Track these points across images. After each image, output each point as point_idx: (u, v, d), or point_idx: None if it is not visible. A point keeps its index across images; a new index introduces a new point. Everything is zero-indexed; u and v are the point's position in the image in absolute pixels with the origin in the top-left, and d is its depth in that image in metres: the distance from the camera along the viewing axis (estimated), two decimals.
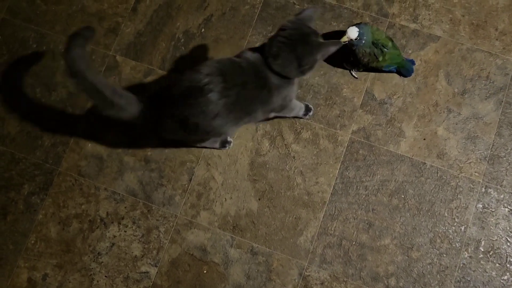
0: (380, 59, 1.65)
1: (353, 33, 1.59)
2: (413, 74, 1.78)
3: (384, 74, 1.79)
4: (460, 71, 1.79)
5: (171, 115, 1.42)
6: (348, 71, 1.80)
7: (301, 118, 1.76)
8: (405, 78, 1.78)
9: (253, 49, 1.46)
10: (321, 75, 1.81)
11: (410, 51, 1.81)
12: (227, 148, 1.75)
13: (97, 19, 1.89)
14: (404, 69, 1.75)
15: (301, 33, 1.39)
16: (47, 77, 1.85)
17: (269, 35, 1.84)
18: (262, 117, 1.54)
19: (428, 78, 1.79)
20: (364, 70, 1.77)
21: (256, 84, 1.40)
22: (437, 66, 1.80)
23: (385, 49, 1.65)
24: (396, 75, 1.79)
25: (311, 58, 1.39)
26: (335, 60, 1.80)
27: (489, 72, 1.79)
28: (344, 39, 1.60)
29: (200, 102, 1.35)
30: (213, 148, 1.76)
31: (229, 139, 1.74)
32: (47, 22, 1.90)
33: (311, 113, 1.75)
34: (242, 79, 1.38)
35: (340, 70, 1.81)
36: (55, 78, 1.84)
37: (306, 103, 1.75)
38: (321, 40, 1.42)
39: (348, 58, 1.72)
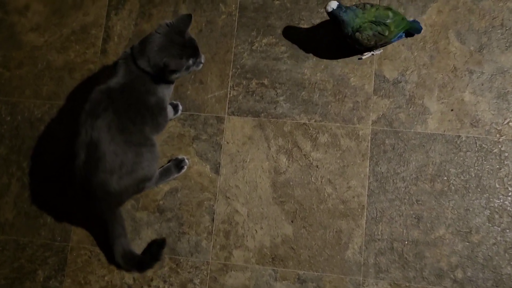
0: (387, 33, 1.48)
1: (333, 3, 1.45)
2: (423, 28, 1.61)
3: (390, 50, 1.62)
4: (471, 26, 1.61)
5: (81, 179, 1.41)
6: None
7: (174, 118, 1.65)
8: (414, 50, 1.61)
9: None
10: (322, 69, 1.63)
11: (411, 18, 1.63)
12: (185, 168, 1.60)
13: (67, 72, 1.71)
14: (412, 29, 1.58)
15: (167, 38, 1.44)
16: (28, 148, 1.68)
17: (254, 41, 1.67)
18: (152, 127, 1.48)
19: (439, 43, 1.61)
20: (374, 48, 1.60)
21: (133, 95, 1.43)
22: (444, 27, 1.62)
23: (388, 21, 1.48)
24: (403, 49, 1.61)
25: (174, 62, 1.42)
26: (336, 52, 1.63)
27: (502, 19, 1.61)
28: (327, 9, 1.44)
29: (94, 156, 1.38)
30: (173, 177, 1.60)
31: (180, 157, 1.61)
32: (15, 89, 1.72)
33: (180, 108, 1.66)
34: (116, 103, 1.42)
35: (341, 59, 1.63)
36: (38, 147, 1.67)
37: (171, 102, 1.62)
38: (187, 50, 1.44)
39: (353, 48, 1.55)
